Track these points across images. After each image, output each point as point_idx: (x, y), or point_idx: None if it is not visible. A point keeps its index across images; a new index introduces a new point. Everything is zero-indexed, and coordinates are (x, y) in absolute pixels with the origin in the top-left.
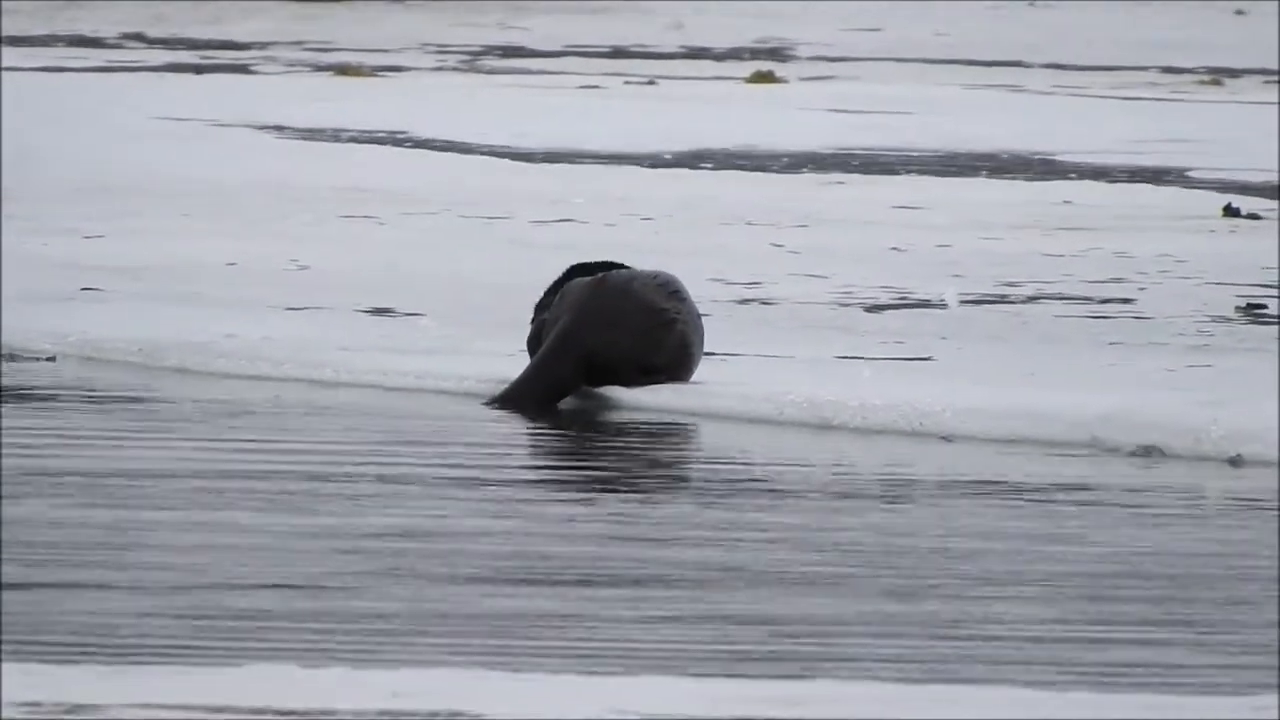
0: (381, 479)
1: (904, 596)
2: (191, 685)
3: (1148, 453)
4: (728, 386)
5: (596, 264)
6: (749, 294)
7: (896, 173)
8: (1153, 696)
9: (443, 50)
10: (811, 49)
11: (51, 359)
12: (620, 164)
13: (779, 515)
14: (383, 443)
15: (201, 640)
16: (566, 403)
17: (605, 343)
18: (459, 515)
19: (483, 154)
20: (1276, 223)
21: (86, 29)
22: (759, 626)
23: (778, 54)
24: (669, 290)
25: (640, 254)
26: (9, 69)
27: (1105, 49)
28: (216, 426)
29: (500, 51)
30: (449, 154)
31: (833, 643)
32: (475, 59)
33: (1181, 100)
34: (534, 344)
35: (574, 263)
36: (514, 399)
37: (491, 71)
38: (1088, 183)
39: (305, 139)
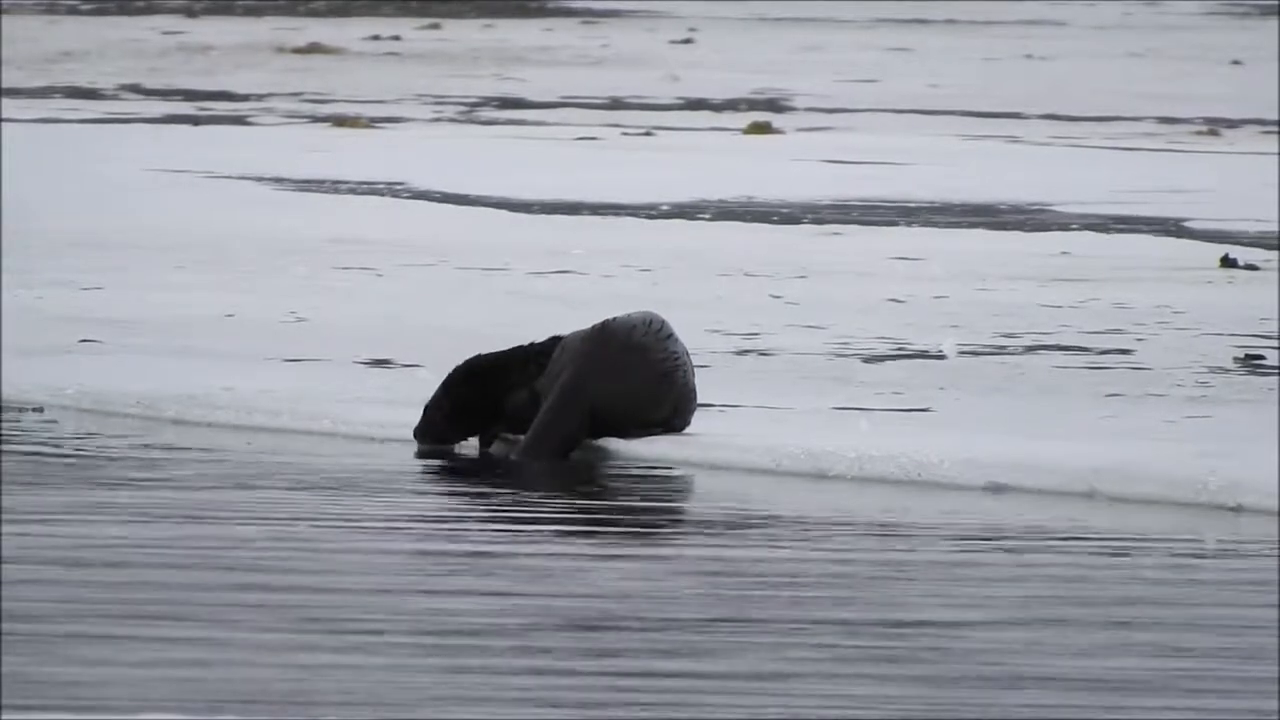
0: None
1: None
2: None
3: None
4: (726, 438)
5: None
6: (747, 345)
7: (894, 224)
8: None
9: (440, 101)
10: (808, 100)
11: (39, 410)
12: (618, 215)
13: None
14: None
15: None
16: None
17: (611, 394)
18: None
19: (480, 205)
20: (1275, 273)
21: (83, 80)
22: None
23: (775, 105)
24: (665, 334)
25: (639, 304)
26: (7, 120)
27: (1102, 100)
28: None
29: (497, 103)
30: (446, 205)
31: None
32: (472, 110)
33: (1179, 151)
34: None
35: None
36: (529, 455)
37: (489, 123)
38: (1085, 233)
39: (302, 190)
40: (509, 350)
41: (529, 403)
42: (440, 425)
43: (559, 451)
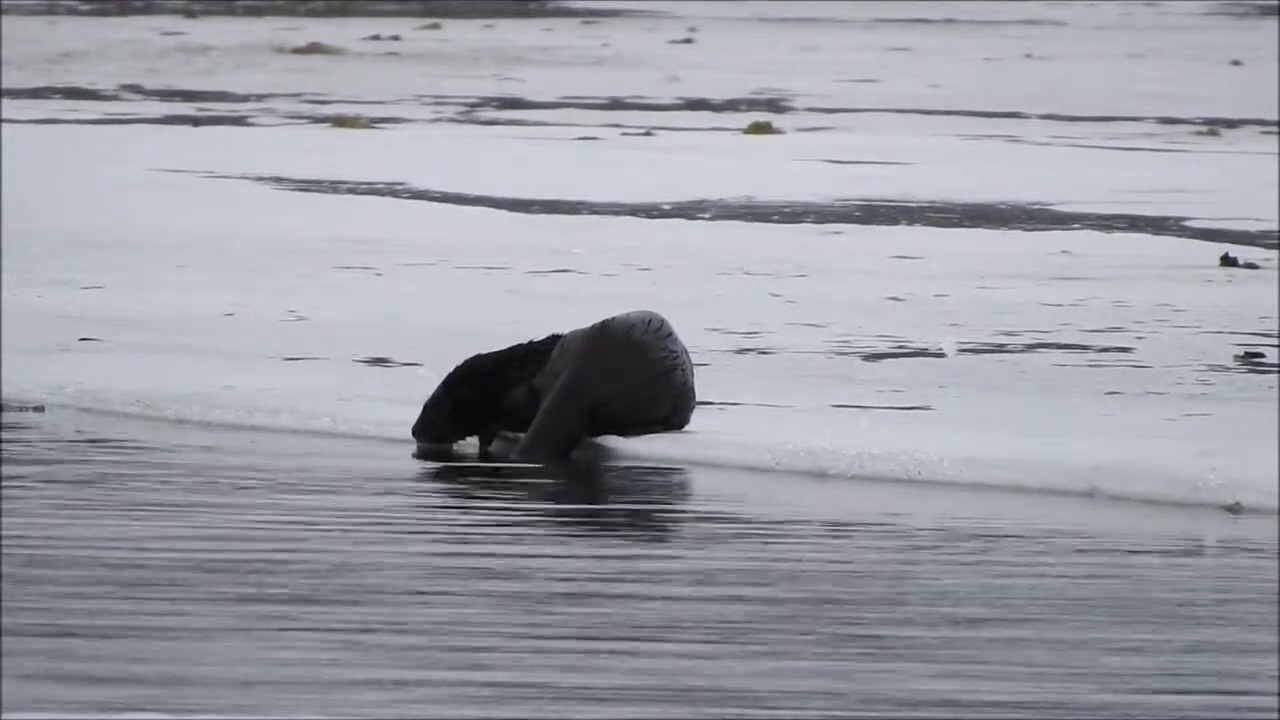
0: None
1: None
2: None
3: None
4: (726, 435)
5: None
6: (747, 343)
7: (894, 223)
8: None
9: (440, 102)
10: (808, 100)
11: (40, 409)
12: (618, 214)
13: None
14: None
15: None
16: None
17: (611, 393)
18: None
19: (480, 205)
20: (1275, 271)
21: (83, 81)
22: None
23: (775, 105)
24: (664, 333)
25: (639, 304)
26: (6, 120)
27: (1102, 100)
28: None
29: (497, 103)
30: (446, 205)
31: None
32: (472, 110)
33: (1178, 151)
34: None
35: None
36: (530, 454)
37: (489, 123)
38: (1085, 233)
39: (302, 190)
40: (508, 350)
41: (528, 401)
42: (440, 424)
43: (559, 450)
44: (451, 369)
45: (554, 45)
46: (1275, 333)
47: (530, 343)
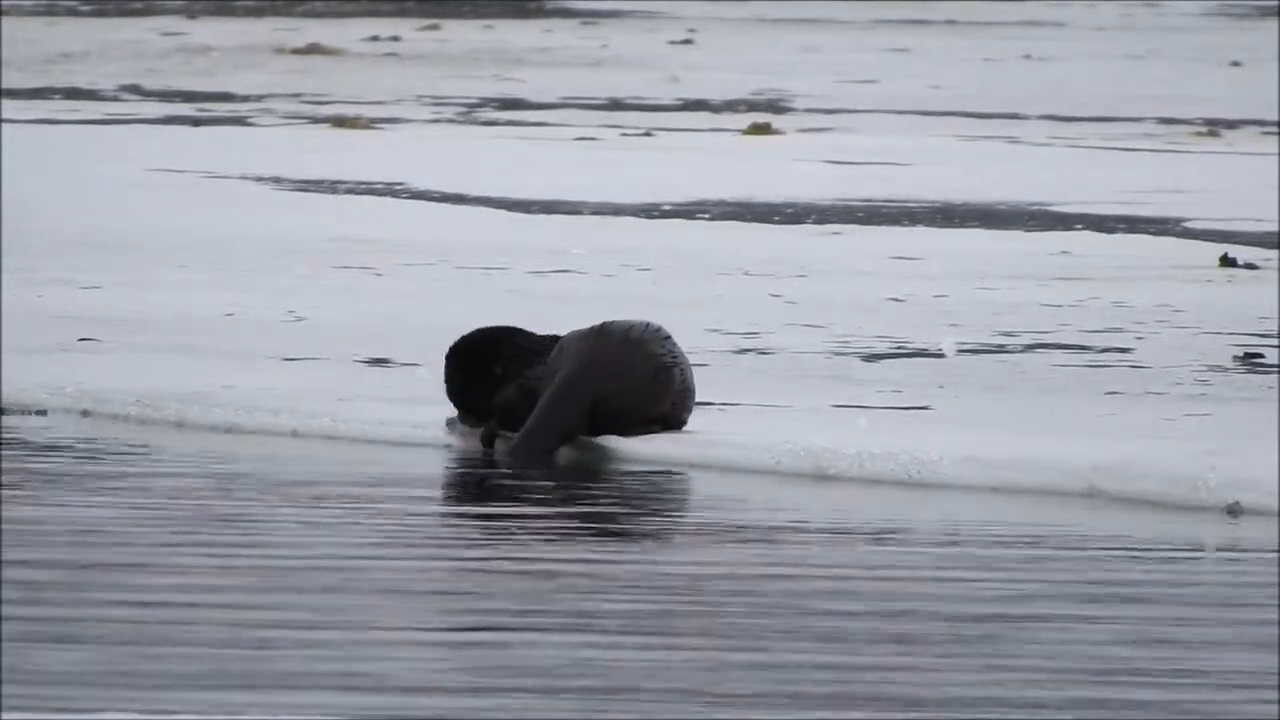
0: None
1: None
2: None
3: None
4: (725, 436)
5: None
6: (746, 344)
7: (895, 223)
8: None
9: (439, 102)
10: (808, 101)
11: (42, 413)
12: (617, 215)
13: None
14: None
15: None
16: (563, 452)
17: (611, 391)
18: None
19: (480, 205)
20: (1275, 272)
21: (83, 82)
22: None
23: (774, 106)
24: (662, 336)
25: (639, 304)
26: (6, 120)
27: (1102, 100)
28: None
29: (497, 103)
30: (446, 205)
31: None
32: (472, 111)
33: (1178, 151)
34: (515, 408)
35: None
36: (524, 450)
37: (488, 123)
38: (1085, 233)
39: (302, 190)
40: (489, 336)
41: (521, 399)
42: (475, 406)
43: (555, 446)
44: (444, 370)
45: (553, 46)
46: (1275, 333)
47: (529, 334)
